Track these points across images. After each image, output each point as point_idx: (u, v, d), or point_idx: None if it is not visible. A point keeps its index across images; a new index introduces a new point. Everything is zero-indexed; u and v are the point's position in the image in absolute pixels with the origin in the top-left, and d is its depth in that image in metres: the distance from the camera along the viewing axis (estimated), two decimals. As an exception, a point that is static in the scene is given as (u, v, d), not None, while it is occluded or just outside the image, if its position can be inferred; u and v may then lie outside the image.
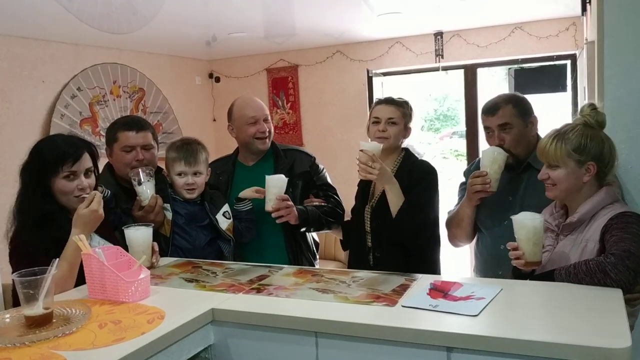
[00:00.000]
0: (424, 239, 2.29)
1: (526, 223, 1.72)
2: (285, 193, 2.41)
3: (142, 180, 2.23)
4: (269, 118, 2.60)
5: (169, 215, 2.33)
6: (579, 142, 1.79)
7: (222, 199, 2.46)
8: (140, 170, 2.24)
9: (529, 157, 2.18)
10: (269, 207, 2.34)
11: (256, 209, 2.43)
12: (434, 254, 2.38)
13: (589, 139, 1.80)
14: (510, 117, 2.15)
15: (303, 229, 2.48)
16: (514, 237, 2.11)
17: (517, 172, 2.20)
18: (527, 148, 2.18)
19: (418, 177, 2.30)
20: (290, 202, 2.38)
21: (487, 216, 2.24)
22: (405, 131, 2.38)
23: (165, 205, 2.32)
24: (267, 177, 2.35)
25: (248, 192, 2.42)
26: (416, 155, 2.42)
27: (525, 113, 2.18)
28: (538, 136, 2.23)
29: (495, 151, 2.11)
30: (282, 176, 2.37)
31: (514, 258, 1.76)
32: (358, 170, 2.19)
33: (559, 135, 1.81)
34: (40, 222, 1.87)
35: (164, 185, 2.36)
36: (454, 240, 2.29)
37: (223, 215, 2.40)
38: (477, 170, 2.17)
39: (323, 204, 2.53)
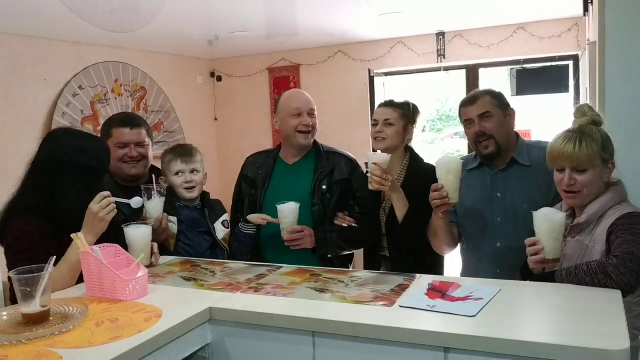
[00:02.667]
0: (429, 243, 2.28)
1: (552, 218, 1.69)
2: (322, 199, 2.39)
3: (152, 196, 2.20)
4: (316, 113, 2.46)
5: (174, 228, 2.30)
6: (603, 140, 1.77)
7: (222, 208, 2.47)
8: (151, 187, 2.20)
9: (511, 152, 2.18)
10: (283, 235, 2.28)
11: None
12: (439, 257, 2.38)
13: (606, 137, 1.79)
14: (490, 106, 2.16)
15: (320, 254, 2.38)
16: (508, 233, 2.11)
17: (502, 168, 2.19)
18: (508, 139, 2.19)
19: (425, 182, 2.22)
20: (304, 232, 2.29)
21: (478, 216, 2.22)
22: (405, 132, 2.38)
23: (172, 218, 2.29)
24: (278, 206, 2.26)
25: (255, 218, 2.36)
26: (421, 157, 2.43)
27: (503, 104, 2.19)
28: (517, 134, 2.23)
29: (448, 161, 2.04)
30: (293, 205, 2.27)
31: (533, 254, 1.72)
32: (370, 182, 2.16)
33: (583, 135, 1.75)
34: (80, 212, 1.88)
35: (170, 197, 2.33)
36: (436, 249, 2.27)
37: (222, 224, 2.40)
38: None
39: (353, 225, 2.39)
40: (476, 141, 2.18)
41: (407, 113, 2.38)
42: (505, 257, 2.10)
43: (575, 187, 1.76)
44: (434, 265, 2.36)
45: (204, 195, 2.42)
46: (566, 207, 1.89)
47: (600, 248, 1.71)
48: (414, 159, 2.40)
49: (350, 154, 2.59)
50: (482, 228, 2.21)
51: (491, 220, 2.17)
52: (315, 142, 2.54)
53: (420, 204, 2.21)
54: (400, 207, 2.25)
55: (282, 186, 2.43)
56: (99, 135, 2.50)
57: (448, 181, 2.02)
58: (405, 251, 2.32)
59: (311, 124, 2.41)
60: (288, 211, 2.27)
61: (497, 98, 2.19)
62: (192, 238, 2.33)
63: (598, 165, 1.75)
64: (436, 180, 2.15)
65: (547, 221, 1.69)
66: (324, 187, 2.42)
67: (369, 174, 2.17)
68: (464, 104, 2.23)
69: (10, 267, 1.79)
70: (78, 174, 1.93)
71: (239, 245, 2.39)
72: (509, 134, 2.19)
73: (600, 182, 1.77)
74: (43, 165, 1.94)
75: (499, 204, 2.16)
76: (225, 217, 2.44)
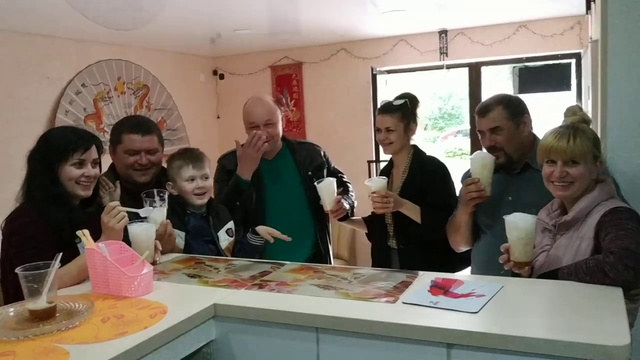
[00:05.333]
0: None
1: (518, 224, 1.72)
2: (312, 183, 2.59)
3: (153, 204, 2.14)
4: (274, 119, 2.60)
5: (181, 244, 2.28)
6: (594, 138, 1.80)
7: (227, 215, 2.44)
8: (153, 192, 2.15)
9: (526, 157, 2.19)
10: (327, 208, 2.54)
11: (289, 211, 2.64)
12: (451, 252, 2.43)
13: (596, 135, 1.83)
14: (500, 120, 2.17)
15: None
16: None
17: (516, 172, 2.21)
18: (521, 148, 2.20)
19: (429, 175, 2.41)
20: (342, 202, 2.59)
21: (489, 216, 2.25)
22: (407, 131, 2.46)
23: (180, 233, 2.26)
24: (317, 185, 2.51)
25: (264, 232, 2.39)
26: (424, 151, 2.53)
27: (516, 114, 2.18)
28: (534, 135, 2.23)
29: (483, 156, 2.13)
30: (330, 180, 2.56)
31: (504, 262, 1.77)
32: (374, 208, 2.35)
33: (577, 130, 1.78)
34: (49, 204, 1.90)
35: (180, 208, 2.31)
36: (454, 245, 2.32)
37: (226, 232, 2.38)
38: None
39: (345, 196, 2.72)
40: (488, 151, 2.23)
41: (405, 113, 2.43)
42: None
43: (567, 179, 1.78)
44: (446, 260, 2.40)
45: (210, 202, 2.38)
46: (557, 204, 1.90)
47: (587, 245, 1.72)
48: (417, 153, 2.51)
49: (313, 141, 2.93)
50: (493, 229, 2.22)
51: (499, 222, 2.18)
52: (284, 137, 2.74)
53: (428, 198, 2.35)
54: (414, 214, 2.37)
55: (273, 181, 2.64)
56: (111, 138, 2.44)
57: (483, 175, 2.10)
58: (415, 242, 2.39)
59: (268, 134, 2.55)
60: (329, 187, 2.52)
61: (510, 108, 2.18)
62: (196, 248, 2.28)
63: (589, 160, 1.78)
64: (442, 172, 2.36)
65: (516, 226, 1.72)
66: (310, 172, 2.68)
67: (371, 200, 2.35)
68: (477, 114, 2.25)
69: (14, 254, 1.80)
70: (40, 162, 1.97)
71: (244, 255, 2.34)
72: (520, 144, 2.19)
73: (590, 178, 1.80)
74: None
75: (509, 206, 2.16)
76: (230, 224, 2.42)
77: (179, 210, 2.31)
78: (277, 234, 2.38)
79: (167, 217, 2.20)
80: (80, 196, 2.00)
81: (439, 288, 1.64)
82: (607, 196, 1.79)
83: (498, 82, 6.73)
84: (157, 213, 2.14)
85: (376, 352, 1.44)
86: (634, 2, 2.04)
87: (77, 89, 4.52)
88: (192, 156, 2.34)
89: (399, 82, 5.64)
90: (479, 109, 2.26)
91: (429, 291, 1.62)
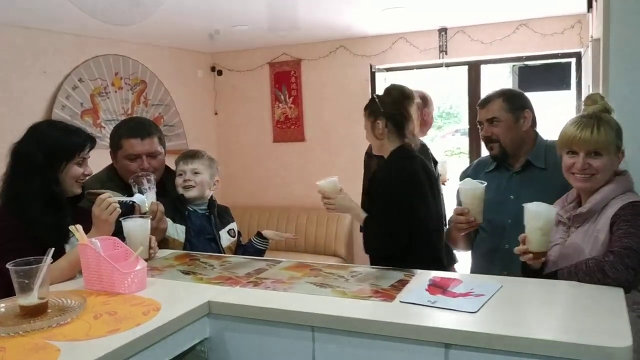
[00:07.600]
0: (400, 249, 2.01)
1: (540, 213, 1.67)
2: None
3: (143, 188, 2.15)
4: None
5: (182, 237, 2.28)
6: (617, 128, 1.75)
7: (229, 216, 2.46)
8: (140, 177, 2.15)
9: (527, 154, 2.17)
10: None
11: None
12: (425, 257, 2.13)
13: (619, 125, 1.77)
14: (498, 111, 2.16)
15: None
16: (517, 236, 2.08)
17: (517, 170, 2.19)
18: (520, 143, 2.18)
19: (373, 181, 2.20)
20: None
21: (489, 216, 2.21)
22: (373, 129, 2.19)
23: (180, 227, 2.29)
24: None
25: (272, 234, 2.42)
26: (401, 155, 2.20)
27: (516, 107, 2.16)
28: (536, 133, 2.21)
29: (473, 187, 2.03)
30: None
31: (521, 253, 1.71)
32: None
33: (600, 121, 1.73)
34: (38, 208, 1.85)
35: (181, 205, 2.33)
36: (454, 249, 2.32)
37: (228, 232, 2.39)
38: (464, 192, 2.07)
39: None
40: (485, 143, 2.22)
41: (372, 109, 2.22)
42: (512, 259, 2.08)
43: (590, 171, 1.74)
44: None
45: (211, 201, 2.38)
46: (572, 197, 1.87)
47: (604, 238, 1.68)
48: (391, 154, 2.18)
49: None
50: (493, 229, 2.20)
51: (502, 222, 2.16)
52: None
53: (376, 204, 2.09)
54: (358, 220, 2.12)
55: None
56: (110, 143, 2.40)
57: (474, 205, 2.02)
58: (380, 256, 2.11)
59: None
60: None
61: (510, 101, 2.17)
62: (198, 245, 2.29)
63: (612, 151, 1.73)
64: (386, 182, 2.08)
65: (538, 215, 1.68)
66: None
67: None
68: (478, 105, 2.25)
69: None
70: (46, 158, 1.90)
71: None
72: (519, 137, 2.17)
73: (612, 169, 1.76)
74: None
75: (511, 205, 2.12)
76: (232, 225, 2.43)
77: (180, 207, 2.33)
78: (284, 235, 2.50)
79: (169, 214, 2.23)
80: (74, 194, 1.97)
81: (437, 287, 1.62)
82: (624, 189, 1.75)
83: (497, 81, 6.71)
84: (145, 196, 2.14)
85: (373, 351, 1.42)
86: (637, 0, 2.02)
87: (74, 83, 4.48)
88: (186, 153, 2.40)
89: (398, 80, 5.60)
90: (480, 100, 2.26)
91: (427, 290, 1.60)
